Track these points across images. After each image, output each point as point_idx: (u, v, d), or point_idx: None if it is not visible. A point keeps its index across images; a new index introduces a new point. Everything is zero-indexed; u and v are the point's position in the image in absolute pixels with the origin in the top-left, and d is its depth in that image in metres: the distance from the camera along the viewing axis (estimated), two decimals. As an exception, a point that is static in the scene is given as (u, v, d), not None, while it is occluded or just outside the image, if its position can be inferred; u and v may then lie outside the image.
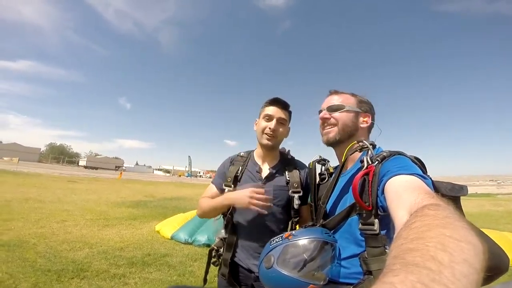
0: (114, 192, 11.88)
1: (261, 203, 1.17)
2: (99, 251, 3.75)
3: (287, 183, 1.33)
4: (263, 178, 1.36)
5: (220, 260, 1.36)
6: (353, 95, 1.13)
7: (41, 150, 62.33)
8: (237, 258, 1.33)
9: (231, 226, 1.36)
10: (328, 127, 1.09)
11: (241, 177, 1.38)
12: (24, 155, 45.93)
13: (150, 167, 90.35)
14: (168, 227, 5.13)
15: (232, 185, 1.35)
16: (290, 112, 1.41)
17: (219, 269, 1.37)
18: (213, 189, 1.45)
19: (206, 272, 1.44)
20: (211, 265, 1.43)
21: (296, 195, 1.29)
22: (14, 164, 23.08)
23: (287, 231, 1.29)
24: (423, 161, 0.92)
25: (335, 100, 1.11)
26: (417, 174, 0.75)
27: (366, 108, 1.11)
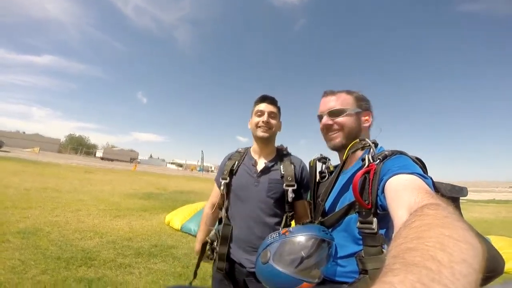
0: (128, 184, 12.16)
1: None
2: (108, 240, 3.85)
3: (282, 176, 1.35)
4: (258, 171, 1.39)
5: (214, 253, 1.39)
6: (349, 92, 1.09)
7: (61, 141, 64.88)
8: (230, 252, 1.35)
9: (226, 219, 1.39)
10: (332, 133, 1.07)
11: (236, 170, 1.42)
12: (45, 146, 47.86)
13: (163, 160, 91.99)
14: (178, 217, 5.23)
15: (228, 178, 1.40)
16: (279, 108, 1.46)
17: (214, 263, 1.39)
18: (216, 190, 1.52)
19: (198, 266, 1.47)
20: (205, 259, 1.45)
21: (290, 189, 1.31)
22: (35, 154, 24.08)
23: (281, 225, 1.32)
24: (424, 162, 0.89)
25: (333, 102, 1.07)
26: (418, 174, 0.73)
27: (365, 106, 1.08)
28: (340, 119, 1.05)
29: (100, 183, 10.83)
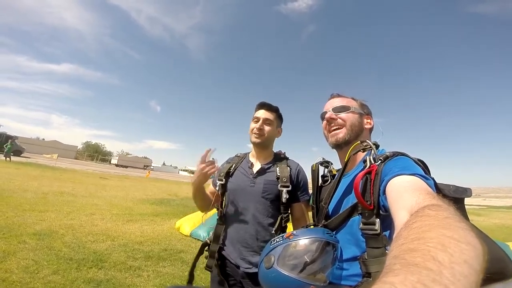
0: (141, 190, 12.37)
1: (207, 170, 1.32)
2: (119, 244, 3.93)
3: (277, 178, 1.37)
4: (255, 172, 1.42)
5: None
6: (353, 99, 1.13)
7: (78, 147, 66.50)
8: (225, 252, 1.37)
9: (220, 218, 1.43)
10: (335, 128, 1.08)
11: (233, 172, 1.46)
12: (63, 152, 49.04)
13: (176, 167, 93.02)
14: (188, 223, 5.25)
15: (224, 179, 1.44)
16: (279, 115, 1.51)
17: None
18: (210, 188, 1.57)
19: (193, 266, 1.46)
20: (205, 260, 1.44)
21: (284, 189, 1.33)
22: (54, 160, 24.96)
23: (274, 226, 1.32)
24: (426, 163, 0.88)
25: (339, 101, 1.11)
26: (419, 175, 0.73)
27: (367, 110, 1.12)
28: (343, 115, 1.07)
29: (114, 189, 11.08)
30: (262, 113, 1.47)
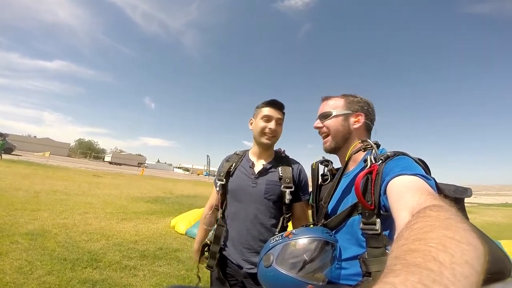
0: (135, 188, 12.25)
1: None
2: (114, 243, 3.88)
3: (280, 178, 1.34)
4: (256, 173, 1.38)
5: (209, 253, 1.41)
6: (343, 96, 1.12)
7: (71, 145, 65.25)
8: (227, 253, 1.36)
9: (221, 219, 1.41)
10: (323, 136, 1.12)
11: (233, 172, 1.42)
12: (55, 150, 48.03)
13: (170, 165, 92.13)
14: (183, 222, 5.23)
15: (224, 179, 1.41)
16: (284, 113, 1.45)
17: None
18: (215, 191, 1.51)
19: (198, 268, 1.49)
20: (203, 260, 1.46)
21: (287, 190, 1.30)
22: (46, 158, 24.52)
23: (277, 226, 1.32)
24: (426, 163, 0.89)
25: (322, 108, 1.13)
26: (420, 175, 0.73)
27: (356, 107, 1.08)
28: (327, 122, 1.10)
29: (108, 187, 10.92)
30: (274, 113, 1.39)
